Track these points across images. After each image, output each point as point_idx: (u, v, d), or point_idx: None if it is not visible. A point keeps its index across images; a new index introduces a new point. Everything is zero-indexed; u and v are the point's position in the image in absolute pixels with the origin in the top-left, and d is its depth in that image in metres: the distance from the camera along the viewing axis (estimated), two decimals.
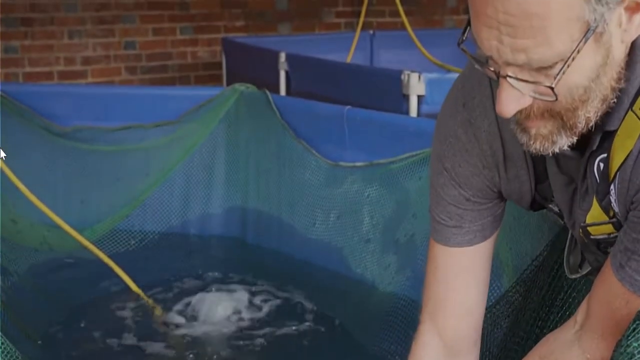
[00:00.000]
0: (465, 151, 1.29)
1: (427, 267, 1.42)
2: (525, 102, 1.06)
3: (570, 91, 1.04)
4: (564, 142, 1.10)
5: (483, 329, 1.82)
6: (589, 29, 0.99)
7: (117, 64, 5.77)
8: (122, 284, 2.96)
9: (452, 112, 1.30)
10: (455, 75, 4.07)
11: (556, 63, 1.01)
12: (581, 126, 1.08)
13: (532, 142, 1.11)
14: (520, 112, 1.08)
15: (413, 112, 3.41)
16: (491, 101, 1.25)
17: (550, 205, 1.34)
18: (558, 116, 1.08)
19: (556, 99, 1.04)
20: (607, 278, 1.16)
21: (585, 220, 1.21)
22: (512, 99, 1.06)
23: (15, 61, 5.45)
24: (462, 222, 1.34)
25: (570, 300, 1.56)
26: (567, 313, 1.55)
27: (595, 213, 1.18)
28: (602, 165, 1.14)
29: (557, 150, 1.11)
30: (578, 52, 1.00)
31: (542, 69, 1.02)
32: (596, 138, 1.13)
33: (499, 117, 1.24)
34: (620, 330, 1.14)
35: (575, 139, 1.10)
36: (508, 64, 1.03)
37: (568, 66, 1.01)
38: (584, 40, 0.99)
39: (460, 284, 1.39)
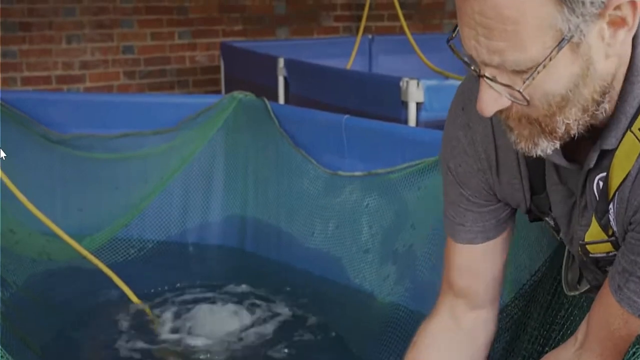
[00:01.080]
0: (464, 153, 1.33)
1: (444, 252, 1.49)
2: (504, 103, 1.08)
3: (546, 97, 1.06)
4: (546, 146, 1.11)
5: None
6: (563, 39, 1.00)
7: (115, 69, 5.77)
8: (121, 294, 2.95)
9: (454, 116, 1.34)
10: (454, 82, 4.06)
11: (530, 68, 1.03)
12: (561, 132, 1.09)
13: (517, 141, 1.13)
14: (500, 112, 1.10)
15: (412, 119, 3.41)
16: None
17: (547, 219, 1.35)
18: (536, 122, 1.09)
19: (527, 104, 1.06)
20: (605, 299, 1.16)
21: (584, 238, 1.22)
22: (491, 100, 1.08)
23: (13, 66, 5.45)
24: (464, 220, 1.39)
25: (572, 318, 1.56)
26: (569, 332, 1.55)
27: (594, 231, 1.19)
28: (601, 183, 1.15)
29: (540, 152, 1.12)
30: (550, 59, 1.01)
31: (517, 72, 1.04)
32: (594, 156, 1.14)
33: (495, 124, 1.27)
34: (619, 350, 1.15)
35: (558, 143, 1.12)
36: (485, 64, 1.05)
37: (538, 72, 1.02)
38: (557, 48, 1.01)
39: (472, 273, 1.44)
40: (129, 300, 2.94)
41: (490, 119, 1.27)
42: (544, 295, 1.69)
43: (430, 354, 1.46)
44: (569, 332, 1.55)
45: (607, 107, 1.09)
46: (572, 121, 1.08)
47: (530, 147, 1.12)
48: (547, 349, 1.58)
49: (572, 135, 1.10)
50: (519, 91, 1.04)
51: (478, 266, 1.42)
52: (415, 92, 3.39)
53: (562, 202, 1.27)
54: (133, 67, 5.81)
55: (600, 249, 1.21)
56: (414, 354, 1.47)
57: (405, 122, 3.40)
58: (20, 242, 2.98)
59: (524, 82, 1.03)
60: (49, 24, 5.53)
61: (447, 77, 4.38)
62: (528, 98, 1.05)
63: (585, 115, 1.08)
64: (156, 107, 3.54)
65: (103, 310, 2.94)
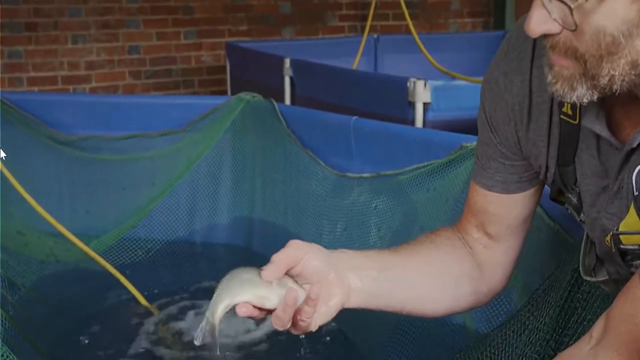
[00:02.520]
0: (500, 99, 1.32)
1: None
2: (552, 27, 1.05)
3: (596, 34, 1.03)
4: (584, 93, 1.08)
5: (494, 347, 1.82)
6: None
7: (121, 69, 5.78)
8: (129, 295, 2.95)
9: (498, 60, 1.33)
10: (461, 82, 4.04)
11: None
12: (604, 82, 1.06)
13: (554, 81, 1.10)
14: (547, 39, 1.08)
15: (419, 119, 3.41)
16: (528, 61, 1.27)
17: (570, 195, 1.33)
18: (581, 60, 1.06)
19: (575, 29, 1.03)
20: (634, 291, 1.13)
21: (618, 227, 1.20)
22: (541, 20, 1.05)
23: (19, 66, 5.46)
24: (488, 165, 1.38)
25: (585, 322, 1.55)
26: (582, 335, 1.54)
27: (630, 221, 1.17)
28: None
29: (575, 99, 1.09)
30: None
31: None
32: (638, 136, 1.12)
33: (534, 79, 1.26)
34: (638, 348, 1.13)
35: (596, 95, 1.08)
36: None
37: None
38: None
39: (487, 215, 1.42)
40: (136, 302, 2.94)
41: (530, 73, 1.26)
42: (556, 300, 1.68)
43: (429, 249, 1.43)
44: (582, 336, 1.54)
45: None
46: (618, 74, 1.05)
47: (565, 90, 1.08)
48: (559, 352, 1.58)
49: (614, 91, 1.07)
50: (569, 7, 1.01)
51: (492, 209, 1.41)
52: (422, 93, 3.39)
53: (593, 178, 1.25)
54: (139, 67, 5.82)
55: (634, 241, 1.19)
56: (416, 241, 1.45)
57: (412, 122, 3.39)
58: (29, 245, 2.98)
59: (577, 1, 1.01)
60: (55, 24, 5.54)
61: (453, 77, 4.38)
62: (577, 22, 1.02)
63: (633, 72, 1.05)
64: (163, 108, 3.54)
65: (111, 311, 2.94)
